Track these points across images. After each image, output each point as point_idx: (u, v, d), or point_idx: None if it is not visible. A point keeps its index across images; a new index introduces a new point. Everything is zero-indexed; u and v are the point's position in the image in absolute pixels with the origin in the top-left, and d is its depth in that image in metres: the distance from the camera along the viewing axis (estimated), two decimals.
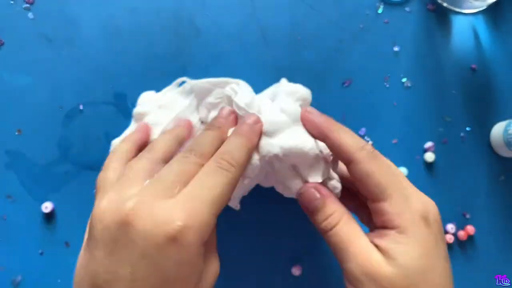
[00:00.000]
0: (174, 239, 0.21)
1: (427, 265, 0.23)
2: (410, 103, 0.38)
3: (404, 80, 0.38)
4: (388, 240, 0.24)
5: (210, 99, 0.31)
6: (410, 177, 0.36)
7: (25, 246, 0.34)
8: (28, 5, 0.36)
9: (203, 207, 0.23)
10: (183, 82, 0.33)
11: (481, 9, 0.39)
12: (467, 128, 0.38)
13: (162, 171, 0.24)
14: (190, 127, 0.30)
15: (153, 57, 0.36)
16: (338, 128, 0.26)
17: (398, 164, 0.37)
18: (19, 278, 0.34)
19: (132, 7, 0.36)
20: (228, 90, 0.29)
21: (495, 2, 0.38)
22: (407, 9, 0.38)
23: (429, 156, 0.37)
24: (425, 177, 0.37)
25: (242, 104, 0.28)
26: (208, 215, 0.23)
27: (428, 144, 0.37)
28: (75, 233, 0.35)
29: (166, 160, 0.26)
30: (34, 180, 0.35)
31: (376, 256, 0.24)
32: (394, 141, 0.37)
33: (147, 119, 0.31)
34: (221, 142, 0.27)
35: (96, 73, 0.36)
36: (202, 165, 0.25)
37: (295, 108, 0.28)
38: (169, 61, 0.36)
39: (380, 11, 0.38)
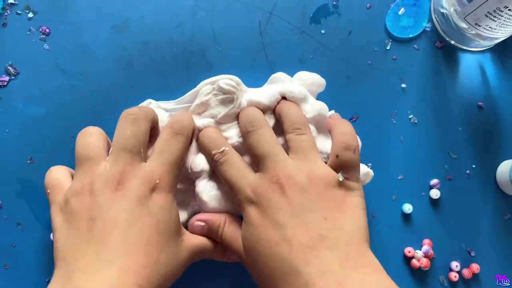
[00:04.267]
0: (155, 188, 0.29)
1: (256, 238, 0.29)
2: (416, 139, 0.38)
3: (411, 116, 0.38)
4: (247, 212, 0.31)
5: (197, 101, 0.34)
6: (415, 213, 0.37)
7: (33, 274, 0.35)
8: (44, 36, 0.37)
9: (171, 168, 0.31)
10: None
11: (488, 47, 0.39)
12: (473, 166, 0.38)
13: (118, 137, 0.31)
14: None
15: (164, 89, 0.37)
16: (208, 129, 0.34)
17: (403, 200, 0.37)
18: None
19: (144, 40, 0.37)
20: (206, 82, 0.35)
21: (503, 41, 0.38)
22: (415, 46, 0.39)
23: (435, 193, 0.37)
24: (430, 213, 0.37)
25: (225, 86, 0.33)
26: (175, 172, 0.31)
27: (434, 181, 0.37)
28: None
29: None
30: (44, 208, 0.35)
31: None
32: (400, 177, 0.38)
33: None
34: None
35: (107, 105, 0.37)
36: (148, 123, 0.32)
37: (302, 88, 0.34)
38: (181, 93, 0.36)
39: (388, 47, 0.39)
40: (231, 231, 0.32)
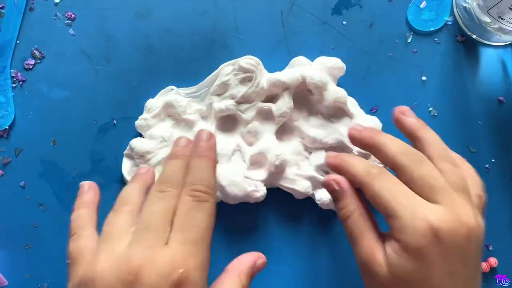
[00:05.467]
0: (178, 285, 0.23)
1: (420, 278, 0.25)
2: (436, 132, 0.37)
3: (430, 109, 0.38)
4: (392, 247, 0.26)
5: (218, 81, 0.34)
6: None
7: (53, 255, 0.36)
8: (69, 21, 0.38)
9: (197, 247, 0.24)
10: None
11: (510, 42, 0.39)
12: (492, 160, 0.38)
13: (145, 215, 0.25)
14: (153, 173, 0.31)
15: (185, 76, 0.37)
16: (347, 157, 0.30)
17: None
18: (45, 285, 0.35)
19: (166, 28, 0.38)
20: (227, 64, 0.35)
21: None
22: (436, 39, 0.39)
23: None
24: None
25: (245, 65, 0.33)
26: (202, 252, 0.24)
27: None
28: None
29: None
30: (65, 190, 0.36)
31: (379, 256, 0.26)
32: None
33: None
34: (186, 167, 0.27)
35: (130, 89, 0.37)
36: (178, 195, 0.26)
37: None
38: (201, 80, 0.37)
39: (409, 40, 0.39)
40: (360, 224, 0.28)
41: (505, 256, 0.37)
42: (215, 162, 0.28)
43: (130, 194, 0.28)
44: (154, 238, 0.24)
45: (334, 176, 0.30)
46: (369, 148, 0.30)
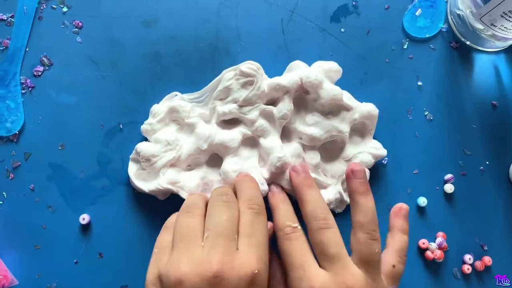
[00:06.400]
0: (253, 283, 0.27)
1: None
2: (431, 135, 0.39)
3: (426, 113, 0.39)
4: None
5: (220, 86, 0.36)
6: (429, 206, 0.38)
7: (61, 255, 0.37)
8: (77, 29, 0.39)
9: (262, 251, 0.29)
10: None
11: (503, 48, 0.40)
12: (487, 162, 0.39)
13: (216, 221, 0.29)
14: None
15: (190, 82, 0.39)
16: (281, 203, 0.33)
17: (418, 193, 0.38)
18: (54, 285, 0.36)
19: (172, 35, 0.39)
20: (229, 70, 0.36)
21: None
22: (431, 46, 0.40)
23: (449, 187, 0.38)
24: (444, 207, 0.39)
25: (246, 69, 0.35)
26: (266, 255, 0.29)
27: (448, 176, 0.38)
28: (109, 244, 0.37)
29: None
30: (73, 192, 0.37)
31: None
32: (415, 171, 0.39)
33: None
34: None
35: (136, 95, 0.38)
36: (237, 207, 0.31)
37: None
38: (204, 85, 0.38)
39: (405, 47, 0.40)
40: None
41: (499, 256, 0.38)
42: (257, 183, 0.33)
43: (197, 200, 0.32)
44: (227, 243, 0.28)
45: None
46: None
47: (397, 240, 0.32)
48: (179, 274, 0.27)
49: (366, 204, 0.31)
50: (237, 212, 0.30)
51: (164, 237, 0.31)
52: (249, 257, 0.28)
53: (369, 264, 0.30)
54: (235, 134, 0.35)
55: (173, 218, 0.33)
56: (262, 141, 0.35)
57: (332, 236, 0.30)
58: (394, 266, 0.31)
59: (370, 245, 0.30)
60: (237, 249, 0.28)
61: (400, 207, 0.33)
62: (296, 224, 0.31)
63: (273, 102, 0.36)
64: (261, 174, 0.35)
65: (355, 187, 0.31)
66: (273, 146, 0.35)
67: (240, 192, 0.32)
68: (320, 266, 0.30)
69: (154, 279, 0.29)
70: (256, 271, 0.27)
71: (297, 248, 0.30)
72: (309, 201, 0.32)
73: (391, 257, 0.31)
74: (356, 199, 0.31)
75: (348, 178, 0.32)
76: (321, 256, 0.30)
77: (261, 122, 0.35)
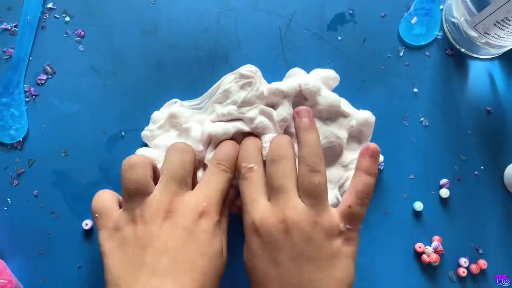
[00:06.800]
0: (202, 214, 0.31)
1: (253, 264, 0.31)
2: (427, 141, 0.40)
3: (422, 119, 0.40)
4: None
5: (220, 90, 0.37)
6: (425, 211, 0.39)
7: (65, 260, 0.37)
8: (79, 38, 0.40)
9: (213, 195, 0.32)
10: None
11: (497, 55, 0.41)
12: (481, 167, 0.40)
13: (166, 167, 0.32)
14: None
15: (189, 90, 0.39)
16: (250, 141, 0.35)
17: (414, 198, 0.39)
18: None
19: (172, 44, 0.40)
20: (228, 74, 0.37)
21: (511, 49, 0.40)
22: (427, 53, 0.41)
23: (444, 192, 0.39)
24: (440, 211, 0.39)
25: (244, 72, 0.36)
26: (218, 198, 0.32)
27: (444, 181, 0.39)
28: None
29: None
30: (76, 198, 0.38)
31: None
32: (411, 176, 0.39)
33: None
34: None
35: (137, 102, 0.39)
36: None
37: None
38: (204, 93, 0.39)
39: (401, 54, 0.41)
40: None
41: (494, 258, 0.39)
42: (237, 149, 0.35)
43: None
44: (179, 186, 0.32)
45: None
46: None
47: (358, 181, 0.32)
48: (134, 213, 0.31)
49: (308, 139, 0.32)
50: (191, 159, 0.33)
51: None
52: (199, 196, 0.32)
53: (311, 196, 0.30)
54: (228, 126, 0.36)
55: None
56: (263, 137, 0.36)
57: (282, 168, 0.32)
58: (350, 206, 0.31)
59: (310, 177, 0.31)
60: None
61: (368, 147, 0.32)
62: (252, 165, 0.33)
63: (272, 107, 0.37)
64: None
65: (298, 125, 0.33)
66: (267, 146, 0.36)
67: (217, 149, 0.35)
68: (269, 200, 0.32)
69: (107, 235, 0.32)
70: (205, 204, 0.31)
71: (249, 186, 0.33)
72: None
73: (348, 196, 0.31)
74: (299, 135, 0.33)
75: (293, 119, 0.34)
76: (268, 189, 0.32)
77: (261, 119, 0.35)
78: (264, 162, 0.34)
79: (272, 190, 0.32)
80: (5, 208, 0.38)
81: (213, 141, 0.36)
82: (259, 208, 0.31)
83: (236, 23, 0.40)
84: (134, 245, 0.30)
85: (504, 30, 0.35)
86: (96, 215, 0.32)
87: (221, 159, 0.34)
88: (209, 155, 0.36)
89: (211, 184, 0.33)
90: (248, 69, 0.36)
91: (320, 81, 0.37)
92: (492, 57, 0.41)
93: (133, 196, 0.31)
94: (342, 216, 0.31)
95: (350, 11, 0.41)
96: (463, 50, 0.41)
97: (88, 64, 0.39)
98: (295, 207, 0.30)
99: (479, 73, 0.41)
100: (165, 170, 0.32)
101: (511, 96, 0.41)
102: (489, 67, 0.41)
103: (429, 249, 0.38)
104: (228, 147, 0.35)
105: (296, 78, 0.37)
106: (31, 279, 0.37)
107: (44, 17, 0.40)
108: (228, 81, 0.37)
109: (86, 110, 0.39)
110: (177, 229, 0.30)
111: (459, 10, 0.39)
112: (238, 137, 0.36)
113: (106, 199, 0.33)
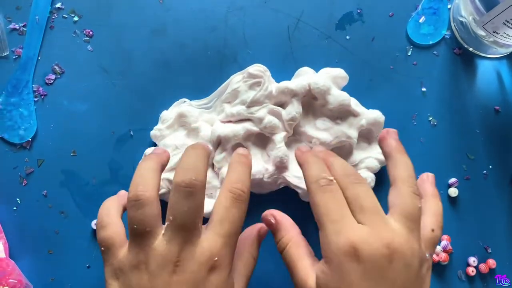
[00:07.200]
0: (214, 268, 0.27)
1: None
2: (436, 140, 0.40)
3: (430, 118, 0.40)
4: (319, 267, 0.28)
5: (229, 89, 0.37)
6: None
7: (74, 260, 0.37)
8: (88, 38, 0.40)
9: (229, 239, 0.28)
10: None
11: (505, 54, 0.41)
12: (490, 166, 0.40)
13: (174, 213, 0.28)
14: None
15: (198, 89, 0.39)
16: (310, 157, 0.31)
17: None
18: None
19: (180, 43, 0.40)
20: (237, 74, 0.37)
21: None
22: (435, 52, 0.41)
23: (453, 191, 0.39)
24: (449, 211, 0.39)
25: (253, 71, 0.36)
26: (232, 243, 0.28)
27: (452, 180, 0.39)
28: None
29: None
30: (85, 198, 0.38)
31: (310, 281, 0.28)
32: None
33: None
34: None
35: (146, 102, 0.39)
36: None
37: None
38: (212, 92, 0.39)
39: (409, 53, 0.41)
40: (295, 253, 0.30)
41: (503, 258, 0.39)
42: (250, 168, 0.32)
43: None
44: (189, 234, 0.28)
45: (271, 211, 0.32)
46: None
47: (432, 205, 0.31)
48: (139, 259, 0.27)
49: (406, 160, 0.30)
50: (201, 200, 0.28)
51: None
52: (211, 244, 0.27)
53: (411, 219, 0.28)
54: (238, 128, 0.36)
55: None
56: (274, 137, 0.36)
57: (366, 190, 0.29)
58: (433, 230, 0.29)
59: (413, 199, 0.28)
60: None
61: (427, 175, 0.33)
62: (332, 178, 0.29)
63: (281, 106, 0.37)
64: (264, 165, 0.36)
65: (393, 144, 0.31)
66: (272, 146, 0.36)
67: (228, 172, 0.31)
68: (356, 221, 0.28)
69: (112, 273, 0.29)
70: (216, 258, 0.27)
71: (334, 200, 0.28)
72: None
73: (429, 220, 0.30)
74: (395, 155, 0.30)
75: (384, 139, 0.32)
76: (357, 209, 0.28)
77: (270, 119, 0.36)
78: None
79: (363, 211, 0.28)
80: (15, 208, 0.38)
81: (222, 143, 0.36)
82: (354, 228, 0.27)
83: (244, 22, 0.40)
84: None
85: None
86: (102, 248, 0.30)
87: (233, 187, 0.29)
88: (218, 156, 0.36)
89: (225, 224, 0.28)
90: (256, 68, 0.36)
91: (330, 80, 0.37)
92: (500, 56, 0.41)
93: (138, 237, 0.27)
94: (427, 242, 0.29)
95: (358, 11, 0.41)
96: (471, 49, 0.41)
97: (96, 64, 0.39)
98: (395, 230, 0.27)
99: (487, 72, 0.41)
100: (173, 216, 0.27)
101: None
102: (497, 66, 0.41)
103: (438, 248, 0.38)
104: (239, 173, 0.31)
105: (305, 77, 0.37)
106: (40, 278, 0.37)
107: (53, 17, 0.40)
108: (236, 80, 0.37)
109: (95, 109, 0.39)
110: (186, 287, 0.27)
111: (467, 9, 0.39)
112: (249, 138, 0.36)
113: (111, 228, 0.30)
